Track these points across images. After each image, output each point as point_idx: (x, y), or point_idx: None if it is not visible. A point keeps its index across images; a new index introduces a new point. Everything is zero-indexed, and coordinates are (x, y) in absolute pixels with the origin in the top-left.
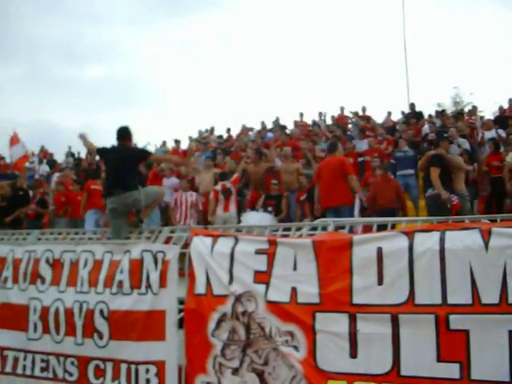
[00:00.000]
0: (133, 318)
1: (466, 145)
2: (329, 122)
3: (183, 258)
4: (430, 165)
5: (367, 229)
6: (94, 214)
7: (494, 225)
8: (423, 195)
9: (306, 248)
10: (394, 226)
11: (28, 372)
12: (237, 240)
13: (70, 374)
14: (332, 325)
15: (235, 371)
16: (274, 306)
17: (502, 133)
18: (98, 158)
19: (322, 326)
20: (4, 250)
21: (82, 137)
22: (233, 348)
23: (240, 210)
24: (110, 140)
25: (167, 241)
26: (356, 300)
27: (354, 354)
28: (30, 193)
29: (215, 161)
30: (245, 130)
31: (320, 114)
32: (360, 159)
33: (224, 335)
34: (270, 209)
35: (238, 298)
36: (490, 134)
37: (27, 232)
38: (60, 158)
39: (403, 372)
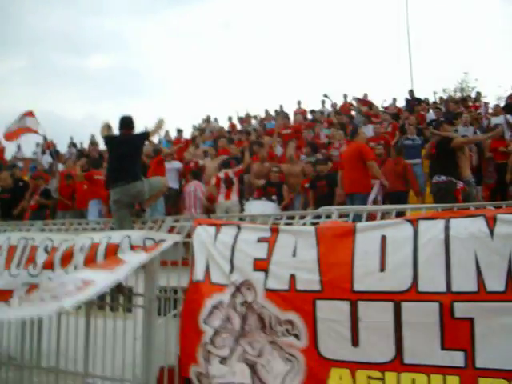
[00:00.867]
0: None
1: (469, 132)
2: (329, 109)
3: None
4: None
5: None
6: (97, 205)
7: (499, 211)
8: (430, 182)
9: (308, 234)
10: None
11: None
12: (239, 229)
13: None
14: (333, 312)
15: (223, 360)
16: (273, 294)
17: (511, 118)
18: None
19: (323, 313)
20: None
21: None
22: (224, 336)
23: (241, 197)
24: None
25: (171, 230)
26: (357, 287)
27: (355, 342)
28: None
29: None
30: (247, 118)
31: (323, 101)
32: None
33: (216, 323)
34: (273, 197)
35: (239, 288)
36: (499, 119)
37: (31, 223)
38: (63, 148)
39: (406, 360)
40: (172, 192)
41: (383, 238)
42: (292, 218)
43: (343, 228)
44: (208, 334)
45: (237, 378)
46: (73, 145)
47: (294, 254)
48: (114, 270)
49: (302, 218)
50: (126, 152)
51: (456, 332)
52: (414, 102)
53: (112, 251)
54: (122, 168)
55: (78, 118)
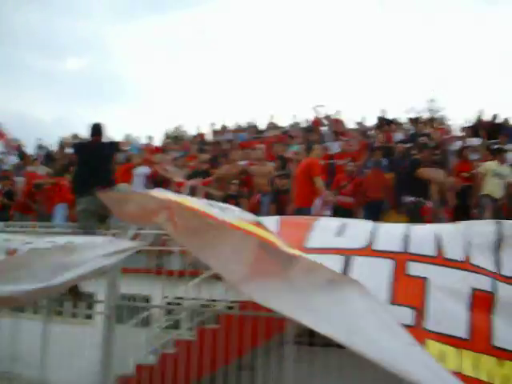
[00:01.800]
0: None
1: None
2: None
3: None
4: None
5: None
6: (63, 209)
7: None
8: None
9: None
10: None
11: None
12: None
13: None
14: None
15: None
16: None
17: (475, 142)
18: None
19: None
20: None
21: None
22: None
23: None
24: (81, 133)
25: (135, 237)
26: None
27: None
28: None
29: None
30: (221, 130)
31: (294, 116)
32: (331, 161)
33: None
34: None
35: None
36: (461, 143)
37: None
38: (30, 150)
39: None
40: None
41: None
42: None
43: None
44: None
45: None
46: (40, 147)
47: None
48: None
49: None
50: (95, 160)
51: (407, 289)
52: (384, 122)
53: None
54: (91, 177)
55: (48, 120)
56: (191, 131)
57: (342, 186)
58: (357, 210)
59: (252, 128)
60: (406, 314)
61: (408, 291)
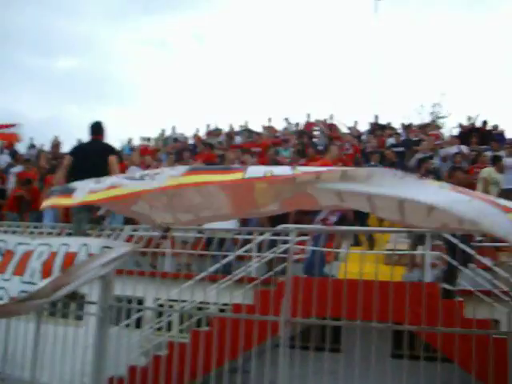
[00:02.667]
0: None
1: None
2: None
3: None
4: None
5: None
6: (54, 209)
7: None
8: None
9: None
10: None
11: None
12: None
13: None
14: None
15: None
16: None
17: (465, 149)
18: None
19: None
20: None
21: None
22: None
23: None
24: (75, 133)
25: (129, 239)
26: None
27: None
28: None
29: (180, 159)
30: (215, 132)
31: (287, 119)
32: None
33: None
34: None
35: None
36: (452, 150)
37: None
38: (21, 149)
39: None
40: None
41: None
42: (250, 233)
43: None
44: None
45: None
46: (32, 146)
47: None
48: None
49: (261, 234)
50: (91, 158)
51: None
52: (376, 127)
53: (69, 262)
54: (86, 173)
55: (40, 119)
56: (186, 133)
57: None
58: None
59: (246, 131)
60: None
61: None
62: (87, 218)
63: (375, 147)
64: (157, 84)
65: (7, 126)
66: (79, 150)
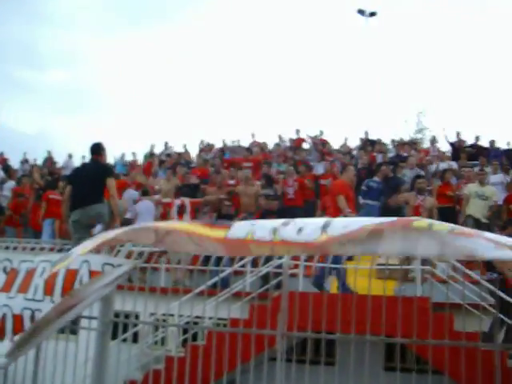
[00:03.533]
0: None
1: (413, 173)
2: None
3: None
4: None
5: None
6: (51, 225)
7: None
8: None
9: None
10: None
11: None
12: None
13: None
14: None
15: None
16: None
17: (454, 165)
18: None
19: None
20: None
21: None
22: None
23: None
24: (65, 146)
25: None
26: None
27: None
28: None
29: (175, 173)
30: (207, 147)
31: (279, 136)
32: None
33: None
34: None
35: None
36: (443, 165)
37: None
38: (14, 163)
39: None
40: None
41: None
42: None
43: None
44: None
45: None
46: (25, 161)
47: None
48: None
49: None
50: (89, 178)
51: None
52: (367, 143)
53: (70, 279)
54: (84, 192)
55: (30, 132)
56: (176, 149)
57: (328, 207)
58: None
59: (238, 148)
60: None
61: None
62: (87, 238)
63: (366, 164)
64: (146, 97)
65: None
66: (77, 175)
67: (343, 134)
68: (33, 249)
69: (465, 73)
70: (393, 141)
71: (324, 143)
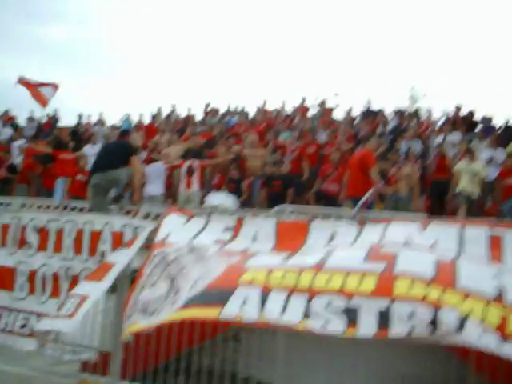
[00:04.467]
0: None
1: (416, 146)
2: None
3: None
4: None
5: None
6: (63, 183)
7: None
8: None
9: (269, 225)
10: None
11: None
12: (209, 219)
13: None
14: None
15: (152, 285)
16: (224, 252)
17: (455, 136)
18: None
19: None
20: None
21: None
22: (155, 270)
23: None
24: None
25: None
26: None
27: (284, 259)
28: None
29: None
30: (213, 111)
31: (283, 102)
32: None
33: (152, 266)
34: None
35: (191, 247)
36: (440, 137)
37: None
38: (22, 121)
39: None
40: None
41: (333, 233)
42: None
43: (299, 223)
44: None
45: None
46: (32, 119)
47: (254, 240)
48: (103, 280)
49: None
50: (114, 150)
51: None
52: (369, 113)
53: (95, 239)
54: (106, 160)
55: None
56: (181, 112)
57: (327, 175)
58: (342, 199)
59: (242, 113)
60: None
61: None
62: (104, 201)
63: (367, 133)
64: (150, 55)
65: (44, 85)
66: (105, 147)
67: (346, 104)
68: (48, 207)
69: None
70: (395, 111)
71: (327, 111)
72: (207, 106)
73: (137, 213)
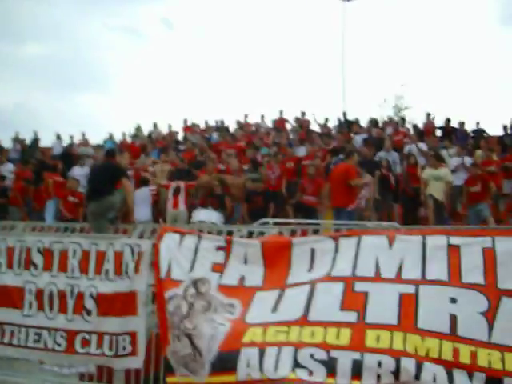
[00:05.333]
0: (115, 298)
1: (391, 157)
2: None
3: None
4: None
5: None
6: (54, 205)
7: (399, 232)
8: None
9: (256, 247)
10: None
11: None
12: (200, 238)
13: (59, 345)
14: (266, 296)
15: (178, 338)
16: (224, 288)
17: (424, 146)
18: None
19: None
20: None
21: None
22: (174, 318)
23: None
24: (42, 121)
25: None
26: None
27: (275, 309)
28: None
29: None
30: (193, 128)
31: (262, 116)
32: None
33: (171, 308)
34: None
35: (195, 283)
36: (411, 147)
37: (11, 225)
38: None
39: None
40: None
41: (312, 250)
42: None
43: (282, 242)
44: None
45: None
46: (17, 140)
47: (246, 262)
48: (137, 314)
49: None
50: (104, 175)
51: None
52: (344, 124)
53: (100, 259)
54: (99, 187)
55: (7, 105)
56: (162, 128)
57: (304, 188)
58: (320, 210)
59: (222, 128)
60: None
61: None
62: (104, 224)
63: (342, 144)
64: (128, 72)
65: None
66: (93, 172)
67: (324, 115)
68: (42, 229)
69: (444, 55)
70: (370, 121)
71: (305, 123)
72: (185, 121)
73: (131, 232)
